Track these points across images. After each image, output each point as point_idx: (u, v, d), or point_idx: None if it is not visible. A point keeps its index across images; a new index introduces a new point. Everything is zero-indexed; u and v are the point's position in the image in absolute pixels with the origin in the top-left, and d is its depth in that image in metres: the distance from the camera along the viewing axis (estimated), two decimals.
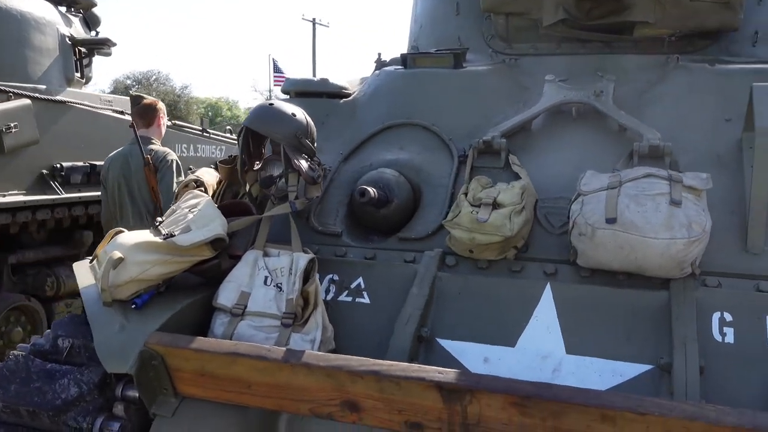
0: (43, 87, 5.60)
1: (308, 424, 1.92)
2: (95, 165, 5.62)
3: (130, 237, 2.04)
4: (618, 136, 2.44)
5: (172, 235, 2.00)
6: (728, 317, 1.86)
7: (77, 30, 6.57)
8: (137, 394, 1.89)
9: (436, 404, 1.59)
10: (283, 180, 2.31)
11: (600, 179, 2.06)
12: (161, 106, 4.10)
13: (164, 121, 4.14)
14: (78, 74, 6.38)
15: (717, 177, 2.19)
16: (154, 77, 39.44)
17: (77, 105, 5.69)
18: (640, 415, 1.42)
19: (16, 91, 5.04)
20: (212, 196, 2.45)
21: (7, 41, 5.53)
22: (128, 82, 36.95)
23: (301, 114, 2.32)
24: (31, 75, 5.67)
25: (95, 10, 7.08)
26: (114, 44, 6.56)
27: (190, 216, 2.10)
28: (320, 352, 1.81)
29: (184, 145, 6.96)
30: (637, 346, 1.86)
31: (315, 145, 2.38)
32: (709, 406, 1.44)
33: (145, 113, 3.99)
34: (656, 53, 2.88)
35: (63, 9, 6.59)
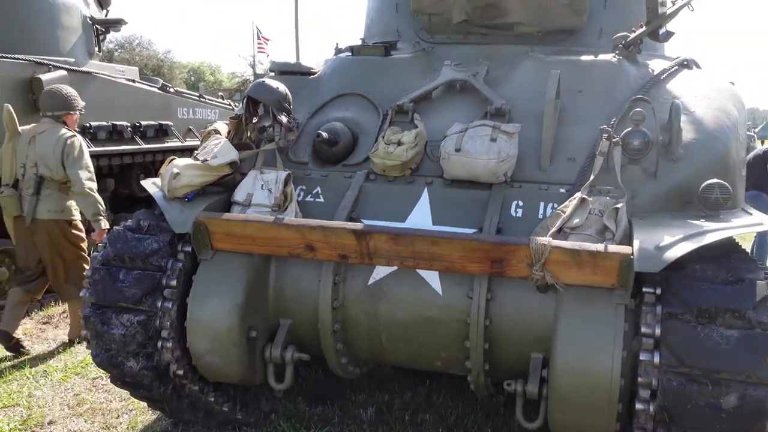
0: (72, 60, 6.82)
1: (286, 265, 3.38)
2: (116, 125, 6.95)
3: (182, 161, 3.46)
4: (483, 103, 3.80)
5: (206, 160, 3.43)
6: (521, 203, 3.29)
7: (93, 10, 7.79)
8: (190, 249, 3.33)
9: (353, 243, 3.04)
10: (272, 128, 3.71)
11: (458, 127, 3.48)
12: None
13: None
14: (96, 48, 7.64)
15: (534, 128, 3.61)
16: (137, 41, 39.63)
17: (100, 75, 6.98)
18: (449, 240, 2.88)
19: (54, 63, 6.33)
20: None
21: (43, 23, 6.75)
22: (110, 46, 37.22)
23: (282, 87, 3.72)
24: (62, 50, 6.86)
25: None
26: (126, 23, 7.80)
27: (215, 149, 3.51)
28: (294, 218, 3.27)
29: (185, 109, 8.24)
30: (470, 219, 3.28)
31: (291, 106, 3.79)
32: (482, 234, 2.92)
33: None
34: (529, 45, 4.27)
35: None
